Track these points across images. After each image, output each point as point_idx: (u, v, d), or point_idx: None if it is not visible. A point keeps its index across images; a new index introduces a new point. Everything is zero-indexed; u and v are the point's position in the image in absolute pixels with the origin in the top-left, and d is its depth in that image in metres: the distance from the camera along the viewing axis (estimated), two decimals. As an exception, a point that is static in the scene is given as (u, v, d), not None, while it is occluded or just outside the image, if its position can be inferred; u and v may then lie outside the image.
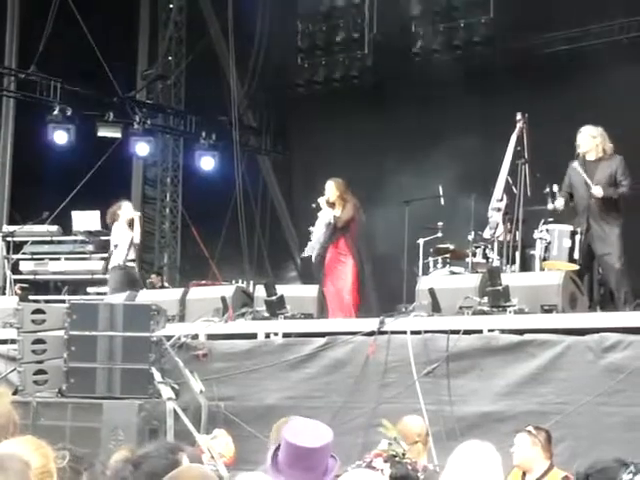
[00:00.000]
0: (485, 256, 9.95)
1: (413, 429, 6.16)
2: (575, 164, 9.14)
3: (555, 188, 9.11)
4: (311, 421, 3.69)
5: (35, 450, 2.98)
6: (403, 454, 5.29)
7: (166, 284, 13.85)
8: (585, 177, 8.95)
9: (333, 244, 10.42)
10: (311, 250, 10.50)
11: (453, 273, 10.24)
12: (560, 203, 9.07)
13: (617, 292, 8.95)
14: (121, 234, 11.68)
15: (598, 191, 8.86)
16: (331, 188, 10.51)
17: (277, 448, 3.61)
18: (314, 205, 10.54)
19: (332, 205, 10.46)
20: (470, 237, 10.21)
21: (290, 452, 3.53)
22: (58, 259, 13.09)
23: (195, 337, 9.28)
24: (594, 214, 8.97)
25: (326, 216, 10.47)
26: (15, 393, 8.20)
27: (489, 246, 9.88)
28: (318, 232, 10.48)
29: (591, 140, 9.06)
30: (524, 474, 6.16)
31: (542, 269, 9.08)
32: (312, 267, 10.65)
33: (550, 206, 9.23)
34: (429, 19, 14.86)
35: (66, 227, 13.29)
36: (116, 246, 11.61)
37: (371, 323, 8.56)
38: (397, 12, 15.09)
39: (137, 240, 11.75)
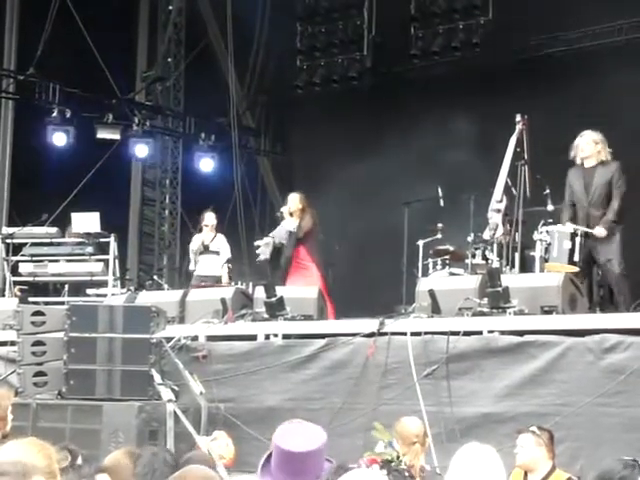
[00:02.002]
0: (485, 257, 9.95)
1: (411, 430, 6.16)
2: (575, 170, 9.12)
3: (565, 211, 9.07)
4: (304, 424, 3.66)
5: (39, 452, 2.97)
6: (398, 457, 5.29)
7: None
8: (584, 229, 8.89)
9: (294, 252, 10.93)
10: (264, 254, 11.06)
11: (453, 274, 10.24)
12: (568, 226, 8.99)
13: (617, 295, 8.94)
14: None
15: (600, 232, 8.84)
16: (295, 200, 11.12)
17: (268, 456, 3.59)
18: (278, 214, 11.28)
19: (291, 215, 11.04)
20: (470, 238, 10.21)
21: (279, 456, 3.50)
22: (57, 261, 13.08)
23: (195, 339, 9.28)
24: (594, 220, 8.96)
25: (288, 225, 11.04)
26: (15, 395, 8.19)
27: (489, 247, 9.87)
28: (279, 237, 11.06)
29: (593, 146, 9.03)
30: (525, 475, 6.15)
31: (542, 270, 9.07)
32: (264, 268, 11.15)
33: (550, 207, 9.23)
34: (428, 21, 14.87)
35: (65, 229, 13.28)
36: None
37: (371, 324, 8.56)
38: (396, 14, 15.10)
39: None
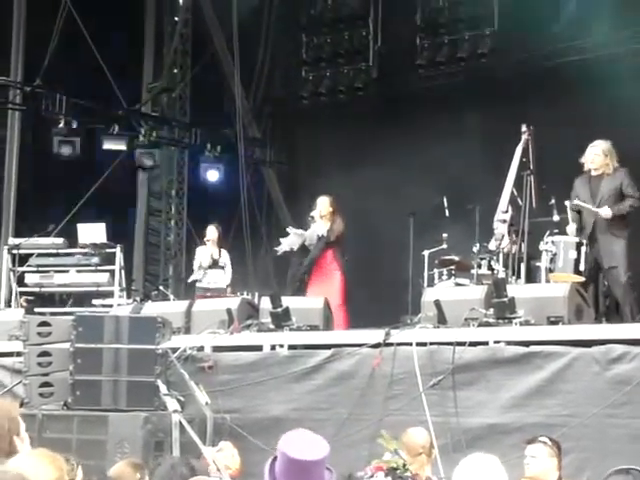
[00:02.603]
0: (490, 268, 9.94)
1: (417, 441, 6.16)
2: (581, 179, 9.12)
3: (567, 203, 9.09)
4: (308, 433, 3.68)
5: (50, 463, 2.98)
6: (404, 465, 5.29)
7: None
8: (589, 207, 8.91)
9: (322, 256, 10.88)
10: (286, 246, 11.02)
11: (458, 285, 10.24)
12: (572, 230, 9.02)
13: (623, 305, 8.93)
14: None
15: (606, 212, 8.83)
16: (325, 203, 11.06)
17: (274, 459, 3.60)
18: (309, 218, 11.08)
19: (321, 218, 10.98)
20: (475, 249, 10.21)
21: (286, 464, 3.51)
22: (64, 271, 13.10)
23: (201, 349, 9.28)
24: (601, 227, 8.95)
25: (319, 229, 10.92)
26: (21, 406, 8.20)
27: (494, 258, 9.87)
28: (309, 239, 10.96)
29: (602, 157, 9.03)
30: (533, 486, 6.13)
31: (548, 281, 9.06)
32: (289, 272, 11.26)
33: (556, 218, 9.23)
34: (433, 31, 14.90)
35: (72, 239, 13.30)
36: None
37: (377, 335, 8.55)
38: (401, 24, 15.13)
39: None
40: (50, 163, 14.43)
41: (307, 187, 15.84)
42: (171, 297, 12.95)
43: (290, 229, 11.17)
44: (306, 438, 3.59)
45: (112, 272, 13.01)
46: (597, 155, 9.04)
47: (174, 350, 8.83)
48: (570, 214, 9.11)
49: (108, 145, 15.04)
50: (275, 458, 3.55)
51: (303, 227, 11.33)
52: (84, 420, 8.30)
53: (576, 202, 9.02)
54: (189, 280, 12.52)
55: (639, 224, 9.26)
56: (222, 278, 12.10)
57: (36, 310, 11.68)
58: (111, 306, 12.47)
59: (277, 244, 11.41)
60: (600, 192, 9.00)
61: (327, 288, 10.60)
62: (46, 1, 14.22)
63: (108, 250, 13.07)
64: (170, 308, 10.41)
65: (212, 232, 12.27)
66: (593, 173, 9.11)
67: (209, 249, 12.20)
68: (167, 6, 16.87)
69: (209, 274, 12.08)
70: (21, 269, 13.04)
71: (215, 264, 12.09)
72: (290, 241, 11.04)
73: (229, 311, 9.69)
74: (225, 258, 12.18)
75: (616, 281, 8.94)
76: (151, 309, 10.36)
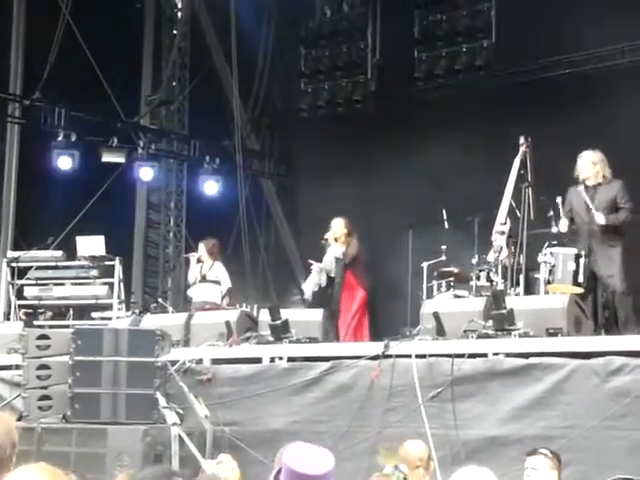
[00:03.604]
0: (489, 279, 9.95)
1: (415, 454, 6.14)
2: (575, 189, 9.16)
3: (560, 210, 9.13)
4: (312, 447, 3.67)
5: (51, 477, 2.98)
6: (405, 479, 5.27)
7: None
8: (588, 201, 8.97)
9: (344, 279, 10.81)
10: (309, 292, 11.00)
11: (457, 296, 10.24)
12: (564, 225, 9.09)
13: (618, 312, 8.95)
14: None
15: (600, 218, 8.88)
16: (340, 225, 10.96)
17: (278, 472, 3.59)
18: (323, 241, 10.97)
19: (335, 241, 10.90)
20: (474, 260, 10.21)
21: (292, 478, 3.50)
22: (62, 284, 13.10)
23: (200, 362, 9.27)
24: (596, 237, 8.98)
25: (335, 251, 10.85)
26: (20, 419, 8.19)
27: (493, 269, 9.88)
28: (328, 266, 10.88)
29: (591, 167, 9.09)
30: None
31: (547, 292, 9.07)
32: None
33: (554, 229, 9.25)
34: (431, 44, 14.95)
35: (70, 252, 13.30)
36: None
37: (376, 347, 8.55)
38: (399, 37, 15.18)
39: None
40: (49, 176, 14.44)
41: (306, 199, 15.87)
42: (170, 309, 12.94)
43: (314, 265, 10.96)
44: (311, 451, 3.58)
45: (111, 285, 13.00)
46: (586, 165, 9.11)
47: (173, 363, 8.82)
48: (562, 210, 9.13)
49: (107, 158, 15.05)
50: (279, 471, 3.54)
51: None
52: (83, 433, 8.29)
53: (575, 189, 9.02)
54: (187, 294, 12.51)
55: (633, 235, 9.28)
56: (212, 292, 11.94)
57: (35, 323, 11.67)
58: (110, 319, 12.46)
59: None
60: (596, 203, 9.03)
61: (349, 308, 10.64)
62: (45, 15, 14.25)
63: (107, 263, 13.07)
64: (169, 321, 10.41)
65: (201, 249, 12.24)
66: (587, 183, 9.15)
67: (199, 265, 12.15)
68: (166, 19, 16.92)
69: (198, 289, 12.01)
70: (20, 282, 13.04)
71: (204, 279, 12.02)
72: (314, 281, 10.93)
73: (228, 324, 9.69)
74: (217, 272, 12.03)
75: (612, 289, 8.96)
76: (150, 322, 10.35)
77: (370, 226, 13.40)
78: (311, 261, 11.06)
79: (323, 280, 10.91)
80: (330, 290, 10.89)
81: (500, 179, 9.97)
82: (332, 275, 10.89)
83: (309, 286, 11.05)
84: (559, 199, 9.17)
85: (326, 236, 10.96)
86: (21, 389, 8.76)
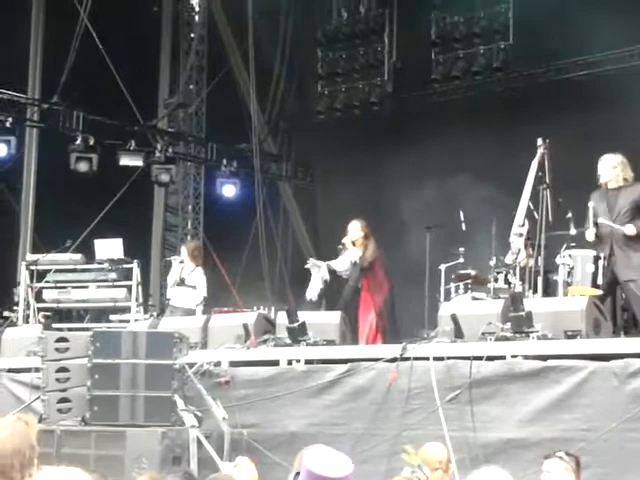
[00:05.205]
0: (507, 282, 9.92)
1: (434, 456, 6.14)
2: (598, 192, 9.10)
3: (590, 205, 8.99)
4: (332, 450, 3.69)
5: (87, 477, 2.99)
6: (426, 481, 5.27)
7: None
8: (615, 226, 8.84)
9: (362, 284, 10.76)
10: (314, 294, 10.88)
11: (475, 299, 10.21)
12: (591, 235, 8.97)
13: (638, 316, 8.88)
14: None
15: (631, 230, 8.78)
16: (356, 228, 10.89)
17: (297, 474, 3.60)
18: (340, 246, 10.90)
19: (353, 245, 10.83)
20: (492, 263, 10.19)
21: None
22: (81, 287, 13.15)
23: (217, 364, 9.28)
24: (618, 240, 8.91)
25: (352, 255, 10.79)
26: (39, 421, 8.22)
27: (511, 271, 9.85)
28: (342, 269, 10.84)
29: (611, 170, 9.00)
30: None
31: (565, 294, 9.03)
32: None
33: (572, 231, 9.20)
34: (448, 45, 14.93)
35: (89, 255, 13.36)
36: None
37: (393, 349, 8.54)
38: (416, 39, 15.17)
39: None
40: (67, 179, 14.51)
41: (323, 201, 15.89)
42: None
43: (310, 263, 10.93)
44: (331, 455, 3.60)
45: (129, 287, 13.05)
46: (606, 168, 9.03)
47: (191, 365, 8.84)
48: (590, 218, 9.04)
49: (125, 161, 15.12)
50: (297, 474, 3.55)
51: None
52: (102, 435, 8.31)
53: (601, 220, 8.95)
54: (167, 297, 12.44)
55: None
56: (189, 298, 11.87)
57: (54, 326, 11.72)
58: (128, 321, 12.51)
59: (293, 258, 11.38)
60: (618, 205, 8.95)
61: (367, 313, 10.59)
62: (63, 19, 14.33)
63: (125, 265, 13.12)
64: (187, 323, 10.43)
65: (183, 252, 12.21)
66: (609, 186, 9.08)
67: (182, 268, 12.11)
68: (183, 23, 16.98)
69: (176, 293, 11.98)
70: (39, 285, 13.10)
71: (182, 282, 11.96)
72: (317, 281, 10.87)
73: (246, 326, 9.70)
74: (197, 277, 11.93)
75: (634, 294, 8.88)
76: (168, 324, 10.38)
77: (387, 228, 13.39)
78: (307, 259, 11.01)
79: (326, 274, 10.80)
80: (337, 287, 10.84)
81: (518, 181, 9.95)
82: (345, 273, 10.82)
83: (313, 290, 10.94)
84: (591, 204, 9.07)
85: (343, 240, 10.89)
86: (40, 392, 8.81)
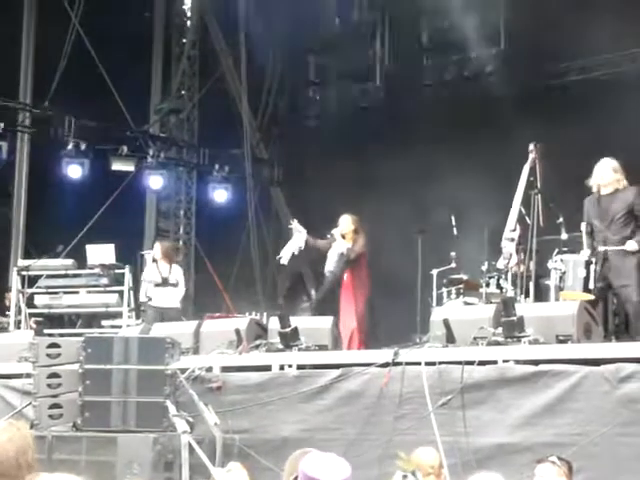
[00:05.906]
0: (499, 286, 9.93)
1: (426, 461, 6.13)
2: (591, 198, 9.07)
3: (582, 226, 8.95)
4: (329, 455, 3.69)
5: None
6: (419, 487, 5.26)
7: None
8: (617, 248, 8.77)
9: (343, 277, 10.72)
10: (287, 256, 10.85)
11: (467, 304, 10.22)
12: (586, 254, 8.92)
13: (635, 323, 8.87)
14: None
15: (633, 246, 8.75)
16: (347, 221, 10.86)
17: (295, 479, 3.60)
18: (329, 236, 10.85)
19: (343, 237, 10.77)
20: (484, 267, 10.20)
21: None
22: (73, 293, 13.13)
23: (209, 370, 9.27)
24: (613, 243, 8.89)
25: (340, 247, 10.73)
26: (31, 427, 8.20)
27: (503, 276, 9.86)
28: (330, 261, 10.82)
29: (612, 174, 8.95)
30: (542, 505, 6.10)
31: (557, 299, 9.04)
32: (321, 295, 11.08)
33: (564, 236, 9.21)
34: (440, 51, 14.97)
35: (81, 261, 13.34)
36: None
37: (385, 354, 8.54)
38: (408, 44, 15.21)
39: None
40: (59, 184, 14.49)
41: (315, 206, 15.86)
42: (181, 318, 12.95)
43: (294, 224, 10.85)
44: (329, 460, 3.60)
45: (121, 293, 13.04)
46: (607, 172, 8.97)
47: (183, 371, 8.83)
48: (585, 239, 9.00)
49: (116, 166, 15.12)
50: (295, 479, 3.55)
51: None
52: (93, 441, 8.30)
53: (601, 248, 8.87)
54: (140, 300, 12.39)
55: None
56: (173, 297, 11.95)
57: (45, 331, 11.69)
58: (120, 327, 12.48)
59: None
60: (612, 209, 8.91)
61: (348, 309, 10.56)
62: (55, 24, 14.33)
63: (117, 271, 13.10)
64: (179, 329, 10.41)
65: (156, 249, 12.20)
66: (603, 192, 9.03)
67: (158, 267, 12.11)
68: (175, 28, 16.98)
69: (160, 293, 11.98)
70: (30, 290, 13.07)
71: (165, 282, 11.99)
72: (293, 245, 10.83)
73: (238, 331, 9.69)
74: (177, 274, 12.01)
75: (628, 300, 8.86)
76: (160, 330, 10.36)
77: (379, 232, 13.41)
78: (294, 221, 10.96)
79: (302, 243, 10.78)
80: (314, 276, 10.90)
81: (509, 186, 9.96)
82: (331, 269, 10.83)
83: (287, 253, 10.88)
84: (583, 225, 9.01)
85: (332, 231, 10.86)
86: (32, 397, 8.78)
